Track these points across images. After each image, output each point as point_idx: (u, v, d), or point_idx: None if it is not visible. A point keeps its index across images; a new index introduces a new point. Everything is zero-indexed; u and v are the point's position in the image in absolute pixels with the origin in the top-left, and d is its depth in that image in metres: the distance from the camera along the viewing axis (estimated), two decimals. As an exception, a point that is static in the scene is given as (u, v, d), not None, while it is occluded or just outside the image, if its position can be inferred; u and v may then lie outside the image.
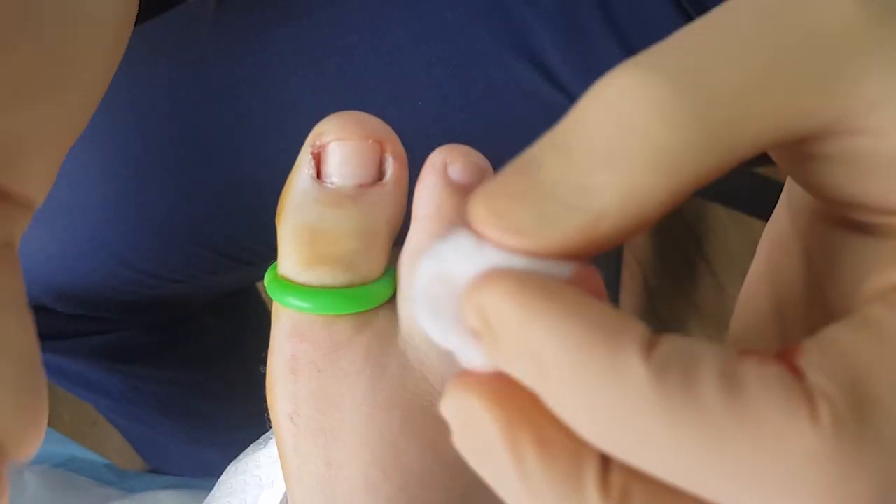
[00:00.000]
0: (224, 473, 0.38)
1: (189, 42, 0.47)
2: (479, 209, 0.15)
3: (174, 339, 0.58)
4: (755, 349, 0.14)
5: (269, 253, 0.48)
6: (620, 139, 0.14)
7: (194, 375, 0.61)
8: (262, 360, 0.27)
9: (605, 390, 0.13)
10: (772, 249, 0.18)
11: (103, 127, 0.46)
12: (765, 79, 0.13)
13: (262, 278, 0.32)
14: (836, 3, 0.14)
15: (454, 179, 0.25)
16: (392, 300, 0.26)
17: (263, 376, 0.26)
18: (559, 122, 0.15)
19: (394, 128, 0.26)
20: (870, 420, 0.12)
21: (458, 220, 0.25)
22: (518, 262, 0.15)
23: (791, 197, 0.18)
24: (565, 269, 0.15)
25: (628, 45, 0.44)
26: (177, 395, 0.62)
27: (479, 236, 0.15)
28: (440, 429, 0.25)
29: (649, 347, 0.13)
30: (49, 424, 0.57)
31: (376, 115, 0.25)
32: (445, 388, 0.15)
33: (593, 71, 0.43)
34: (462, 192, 0.25)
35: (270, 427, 0.27)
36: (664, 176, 0.14)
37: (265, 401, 0.26)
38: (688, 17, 0.43)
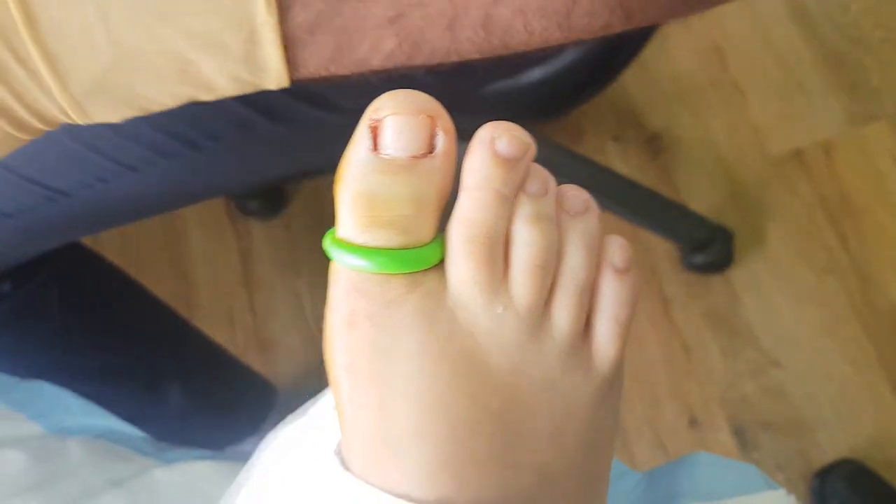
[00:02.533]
0: (263, 441, 0.40)
1: None
2: None
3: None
4: None
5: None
6: None
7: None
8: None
9: None
10: None
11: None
12: None
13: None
14: None
15: (500, 152, 0.27)
16: (441, 264, 0.28)
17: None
18: None
19: None
20: None
21: (504, 189, 0.27)
22: None
23: None
24: None
25: None
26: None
27: None
28: (485, 381, 0.27)
29: None
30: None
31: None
32: None
33: None
34: (507, 164, 0.27)
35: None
36: None
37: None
38: None
